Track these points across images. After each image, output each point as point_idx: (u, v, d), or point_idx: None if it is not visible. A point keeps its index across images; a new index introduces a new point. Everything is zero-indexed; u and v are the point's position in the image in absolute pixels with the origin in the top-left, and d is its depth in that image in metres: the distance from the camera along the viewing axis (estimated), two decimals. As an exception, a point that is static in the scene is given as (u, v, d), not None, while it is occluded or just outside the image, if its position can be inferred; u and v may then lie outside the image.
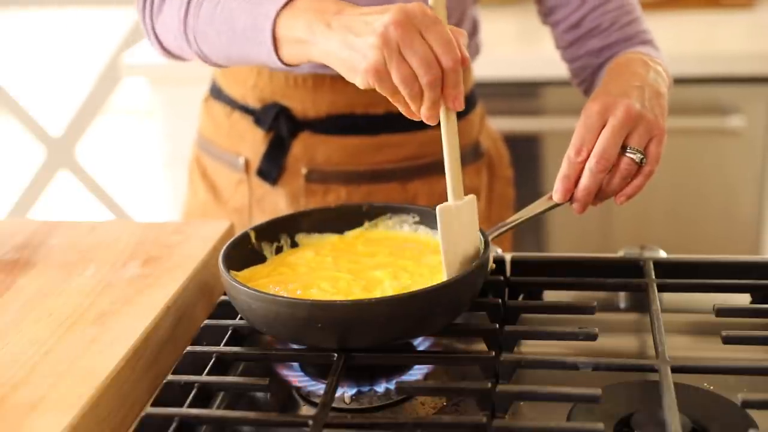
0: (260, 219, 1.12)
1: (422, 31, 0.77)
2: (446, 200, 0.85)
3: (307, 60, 0.87)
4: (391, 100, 0.81)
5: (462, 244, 0.85)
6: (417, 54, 0.77)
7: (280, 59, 0.89)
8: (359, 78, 0.80)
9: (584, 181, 0.88)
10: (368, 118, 1.18)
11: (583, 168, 0.88)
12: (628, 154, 0.88)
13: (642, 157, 0.88)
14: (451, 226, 0.84)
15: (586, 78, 1.14)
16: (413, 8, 0.78)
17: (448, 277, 0.83)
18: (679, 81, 1.72)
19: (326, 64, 0.84)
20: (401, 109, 0.82)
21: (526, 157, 1.90)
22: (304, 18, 0.85)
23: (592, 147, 0.87)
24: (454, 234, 0.84)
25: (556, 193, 0.89)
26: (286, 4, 0.87)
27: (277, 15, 0.87)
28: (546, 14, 1.16)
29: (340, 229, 0.97)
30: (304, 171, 1.20)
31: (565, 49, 1.15)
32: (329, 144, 1.19)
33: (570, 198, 0.89)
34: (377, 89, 0.80)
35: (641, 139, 0.89)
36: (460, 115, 1.24)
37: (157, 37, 1.06)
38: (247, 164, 1.23)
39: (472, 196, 0.86)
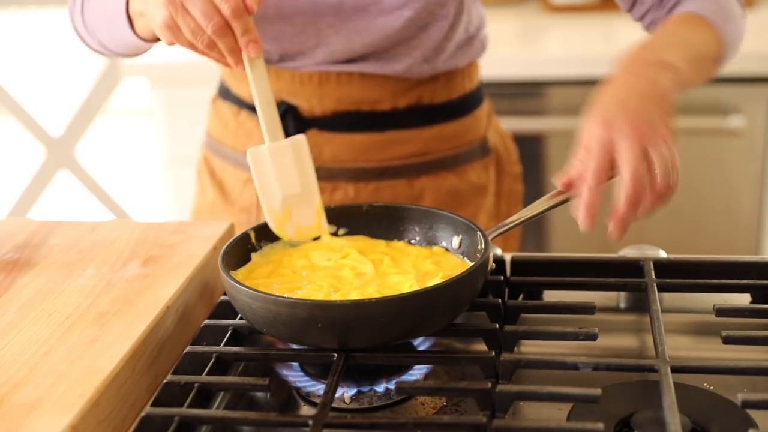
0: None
1: None
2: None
3: (150, 30, 0.96)
4: (197, 53, 0.89)
5: (292, 183, 0.87)
6: (196, 6, 0.85)
7: (138, 36, 1.00)
8: (160, 35, 0.89)
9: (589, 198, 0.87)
10: (374, 115, 1.18)
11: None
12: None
13: None
14: (265, 168, 0.88)
15: None
16: None
17: (268, 218, 0.87)
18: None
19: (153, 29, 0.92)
20: (216, 61, 0.89)
21: (529, 157, 1.90)
22: None
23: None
24: (270, 176, 0.88)
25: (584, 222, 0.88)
26: None
27: None
28: None
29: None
30: None
31: (631, 9, 1.16)
32: (336, 141, 1.19)
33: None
34: (177, 44, 0.88)
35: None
36: (466, 112, 1.25)
37: (80, 37, 1.16)
38: None
39: (300, 136, 0.90)
